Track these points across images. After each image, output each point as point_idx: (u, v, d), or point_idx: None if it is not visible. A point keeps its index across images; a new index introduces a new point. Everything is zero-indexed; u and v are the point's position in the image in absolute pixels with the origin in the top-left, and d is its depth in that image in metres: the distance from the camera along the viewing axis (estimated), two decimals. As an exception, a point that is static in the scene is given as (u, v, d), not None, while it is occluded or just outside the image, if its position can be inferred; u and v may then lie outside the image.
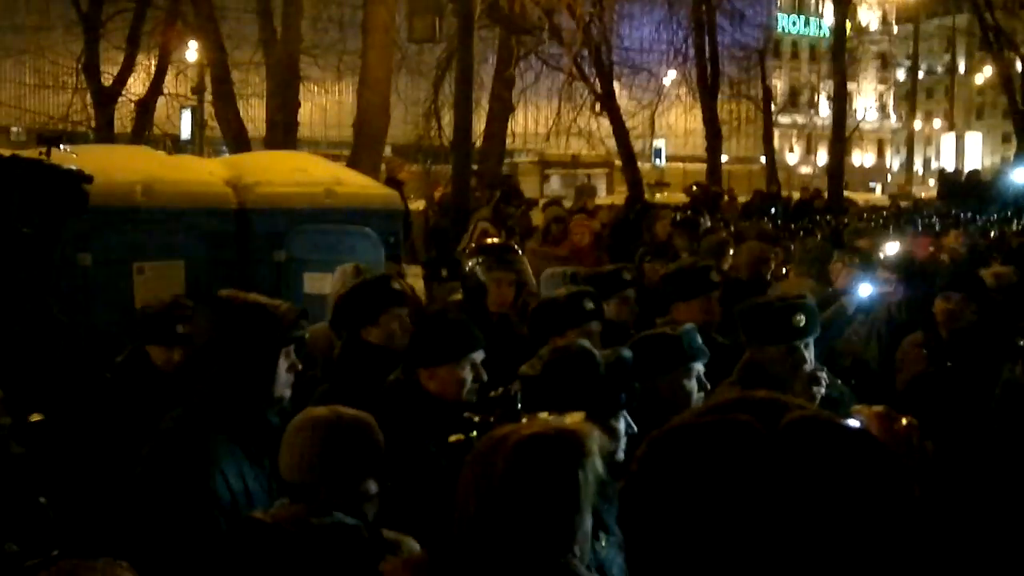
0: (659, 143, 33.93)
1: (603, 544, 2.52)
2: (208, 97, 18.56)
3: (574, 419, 2.59)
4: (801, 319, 3.60)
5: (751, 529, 0.90)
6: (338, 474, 2.40)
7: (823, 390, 3.53)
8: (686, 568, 0.93)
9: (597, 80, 22.11)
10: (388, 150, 16.20)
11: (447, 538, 2.03)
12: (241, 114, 15.81)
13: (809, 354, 3.64)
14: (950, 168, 37.17)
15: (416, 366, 3.36)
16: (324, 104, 24.26)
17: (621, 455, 2.81)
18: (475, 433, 2.77)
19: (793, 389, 3.47)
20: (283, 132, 14.49)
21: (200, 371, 2.89)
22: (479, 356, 3.37)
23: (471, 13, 12.07)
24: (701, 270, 4.83)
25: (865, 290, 5.30)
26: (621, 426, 2.81)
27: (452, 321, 3.53)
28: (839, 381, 3.89)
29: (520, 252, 6.38)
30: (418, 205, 12.42)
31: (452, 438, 2.77)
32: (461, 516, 1.99)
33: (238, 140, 14.94)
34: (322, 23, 20.98)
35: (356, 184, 8.09)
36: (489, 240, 7.67)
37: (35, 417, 3.32)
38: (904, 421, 1.80)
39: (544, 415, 2.69)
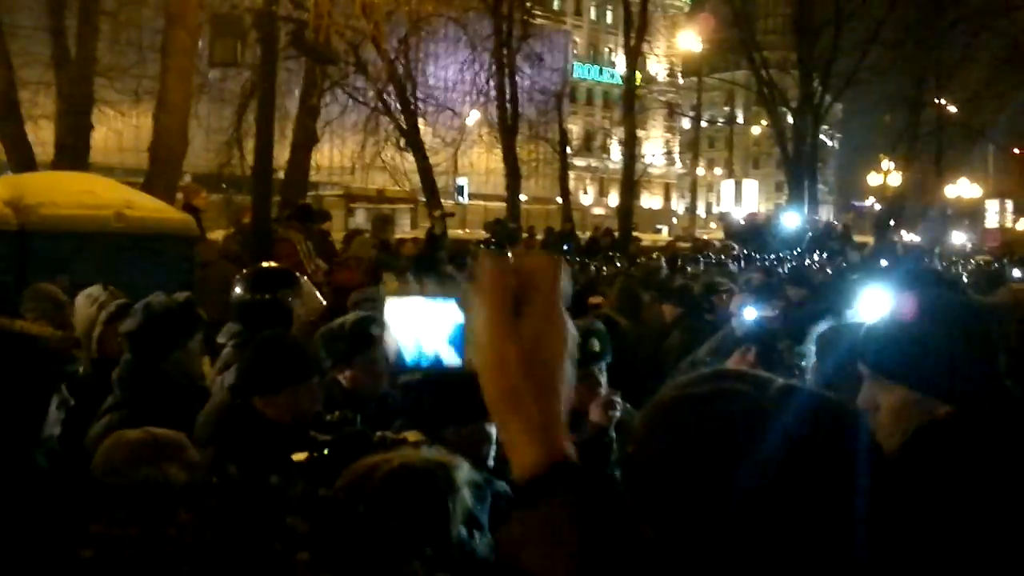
0: (462, 180, 34.52)
1: (476, 541, 2.56)
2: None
3: (414, 436, 2.63)
4: (596, 344, 3.79)
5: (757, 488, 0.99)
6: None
7: (618, 413, 3.63)
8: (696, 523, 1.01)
9: (402, 116, 22.29)
10: (188, 178, 15.60)
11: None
12: (29, 137, 14.80)
13: (603, 378, 3.83)
14: (731, 212, 39.85)
15: (251, 394, 3.22)
16: (120, 129, 22.98)
17: (491, 462, 2.90)
18: (325, 451, 2.71)
19: (589, 413, 3.62)
20: (74, 156, 13.68)
21: None
22: (316, 380, 3.29)
23: (274, 37, 11.95)
24: None
25: (750, 314, 5.38)
26: (493, 430, 2.87)
27: (289, 346, 3.40)
28: (629, 406, 4.06)
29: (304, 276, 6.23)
30: (217, 235, 11.96)
31: (297, 457, 2.68)
32: None
33: (25, 162, 13.97)
34: (120, 45, 19.98)
35: (148, 208, 7.80)
36: (266, 264, 7.41)
37: None
38: None
39: (388, 434, 2.72)
